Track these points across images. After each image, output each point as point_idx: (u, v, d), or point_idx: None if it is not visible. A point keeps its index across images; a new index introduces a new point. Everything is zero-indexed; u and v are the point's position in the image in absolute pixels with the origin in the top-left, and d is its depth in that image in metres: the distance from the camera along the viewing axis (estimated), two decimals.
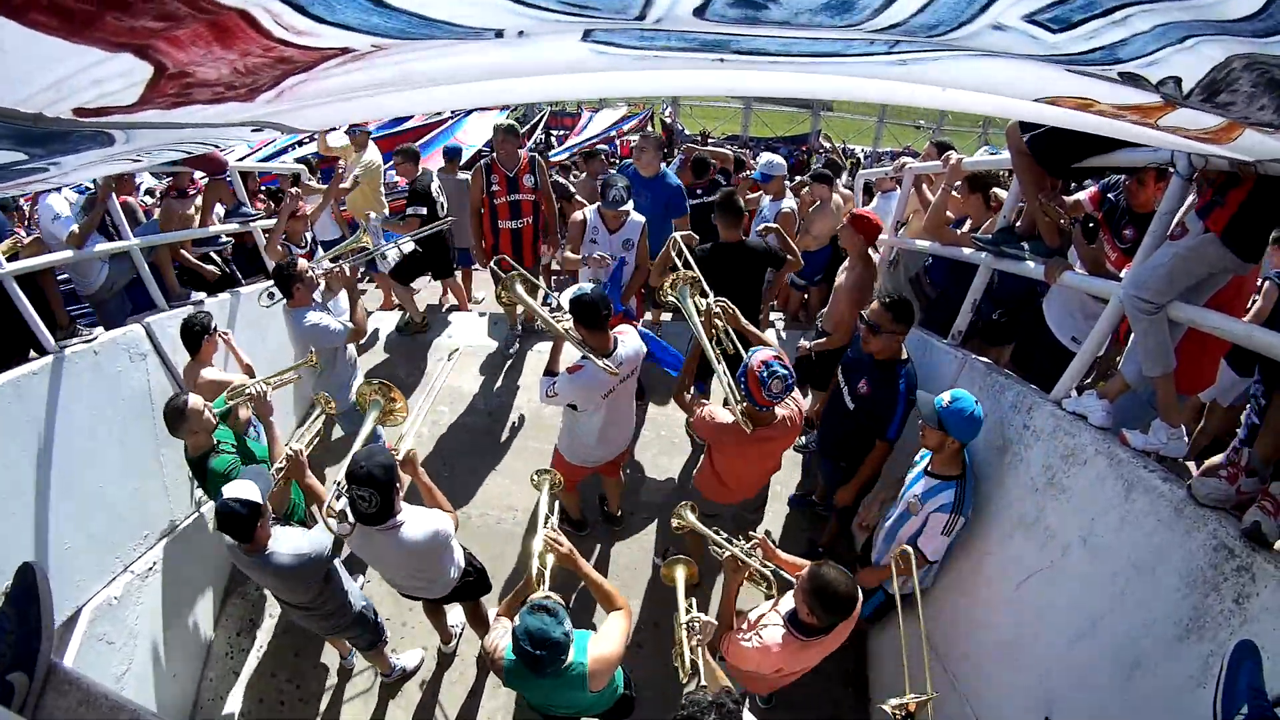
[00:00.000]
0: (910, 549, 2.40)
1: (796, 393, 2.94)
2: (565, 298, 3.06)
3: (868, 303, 3.33)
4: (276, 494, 2.91)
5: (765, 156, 5.06)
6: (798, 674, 2.62)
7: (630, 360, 3.20)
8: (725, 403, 2.96)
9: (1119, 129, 1.81)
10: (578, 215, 4.46)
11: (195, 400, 2.93)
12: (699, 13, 0.83)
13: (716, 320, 3.13)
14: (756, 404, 2.77)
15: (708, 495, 3.31)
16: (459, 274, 6.52)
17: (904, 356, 3.19)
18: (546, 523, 2.73)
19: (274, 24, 0.73)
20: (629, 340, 3.24)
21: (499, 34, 0.91)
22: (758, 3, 0.79)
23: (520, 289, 3.28)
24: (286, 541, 2.63)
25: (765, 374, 2.69)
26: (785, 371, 2.70)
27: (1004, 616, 2.66)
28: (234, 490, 2.45)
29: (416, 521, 2.68)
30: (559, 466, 3.47)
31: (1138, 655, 2.02)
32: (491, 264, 3.62)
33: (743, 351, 2.94)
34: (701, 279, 3.22)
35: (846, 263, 4.08)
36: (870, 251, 3.97)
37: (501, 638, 2.33)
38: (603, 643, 2.32)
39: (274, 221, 4.93)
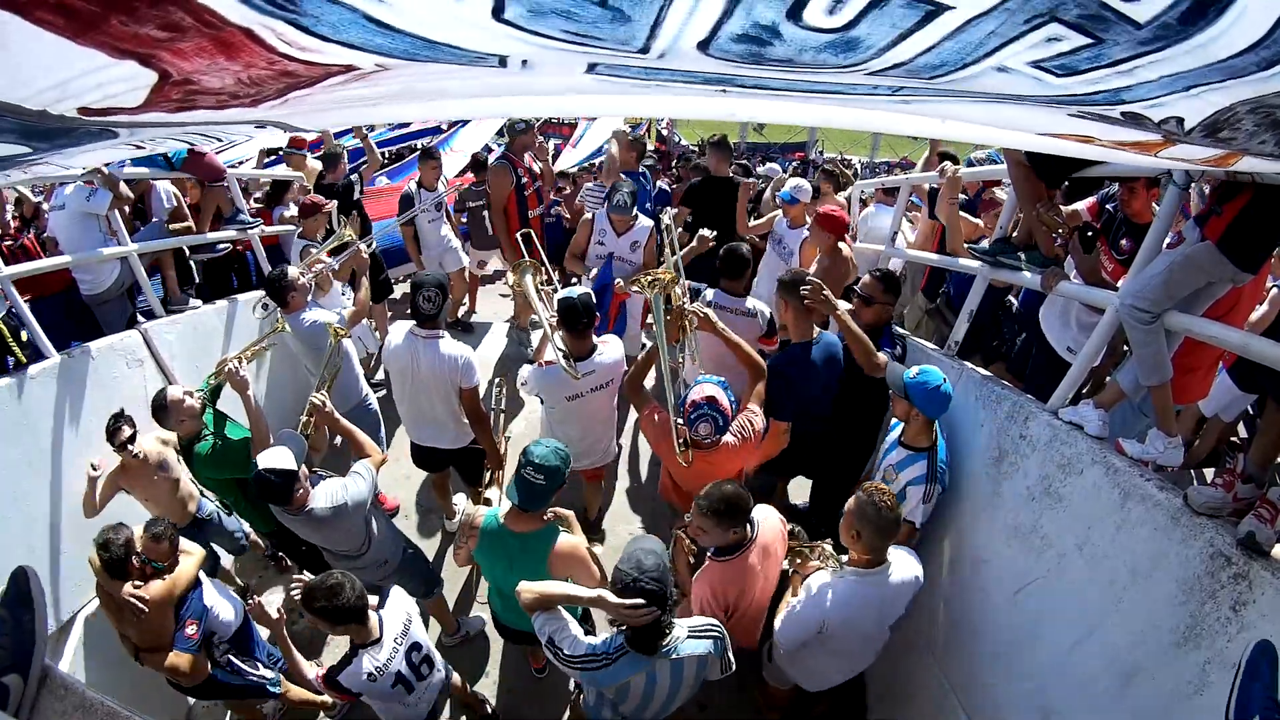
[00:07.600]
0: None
1: (756, 415, 2.89)
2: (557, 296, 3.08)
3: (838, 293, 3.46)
4: (316, 439, 3.12)
5: (793, 181, 4.83)
6: (748, 605, 2.57)
7: (604, 370, 3.18)
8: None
9: (1119, 158, 1.82)
10: (587, 214, 4.53)
11: (174, 391, 3.07)
12: (703, 47, 0.82)
13: (686, 324, 3.07)
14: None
15: (665, 498, 3.32)
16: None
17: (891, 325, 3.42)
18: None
19: (278, 40, 0.74)
20: (610, 351, 3.21)
21: (502, 62, 0.91)
22: (762, 39, 0.79)
23: (529, 278, 3.48)
24: (324, 495, 2.71)
25: (694, 414, 2.71)
26: (716, 415, 2.69)
27: (1001, 625, 2.65)
28: (268, 460, 2.54)
29: (455, 344, 3.27)
30: None
31: (1135, 663, 2.01)
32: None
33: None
34: (682, 277, 3.20)
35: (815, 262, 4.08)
36: (842, 245, 3.97)
37: (481, 510, 2.59)
38: (570, 538, 2.48)
39: (273, 229, 4.97)
